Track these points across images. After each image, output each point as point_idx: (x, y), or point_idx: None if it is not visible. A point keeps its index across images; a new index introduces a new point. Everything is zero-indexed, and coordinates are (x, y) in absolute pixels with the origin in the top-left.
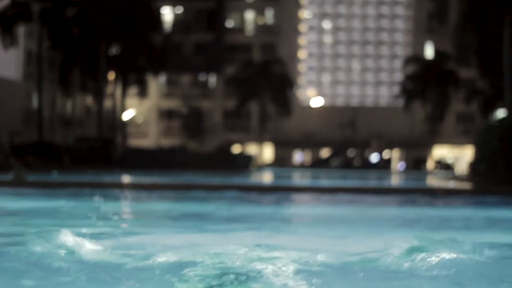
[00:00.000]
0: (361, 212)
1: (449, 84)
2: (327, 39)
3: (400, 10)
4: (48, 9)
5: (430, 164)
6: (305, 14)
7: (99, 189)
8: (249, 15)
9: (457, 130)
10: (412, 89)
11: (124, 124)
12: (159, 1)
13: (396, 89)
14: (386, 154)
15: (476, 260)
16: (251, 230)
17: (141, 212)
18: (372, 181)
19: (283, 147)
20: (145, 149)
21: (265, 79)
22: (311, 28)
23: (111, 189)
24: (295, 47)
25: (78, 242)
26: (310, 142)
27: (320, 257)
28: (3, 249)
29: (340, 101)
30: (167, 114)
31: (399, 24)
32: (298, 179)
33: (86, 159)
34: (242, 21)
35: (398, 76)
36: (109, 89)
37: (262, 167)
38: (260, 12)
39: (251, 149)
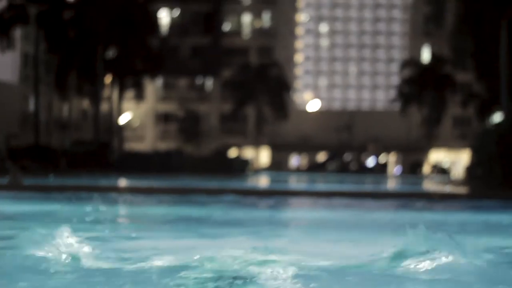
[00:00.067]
0: (357, 216)
1: (446, 88)
2: (324, 42)
3: (396, 13)
4: (45, 12)
5: (426, 168)
6: (302, 17)
7: (95, 192)
8: (246, 18)
9: (453, 134)
10: (409, 93)
11: (121, 127)
12: (156, 4)
13: (392, 93)
14: (382, 158)
15: (473, 264)
16: (248, 234)
17: (138, 216)
18: (368, 185)
19: (280, 151)
20: (141, 152)
21: (261, 83)
22: (307, 32)
23: (108, 193)
24: (292, 50)
25: (74, 246)
26: (306, 146)
27: (317, 261)
28: None
29: (336, 105)
30: (163, 118)
31: (396, 27)
32: (295, 183)
33: (82, 162)
34: (239, 24)
35: (395, 80)
36: (105, 92)
37: (258, 171)
38: (257, 15)
39: (248, 152)
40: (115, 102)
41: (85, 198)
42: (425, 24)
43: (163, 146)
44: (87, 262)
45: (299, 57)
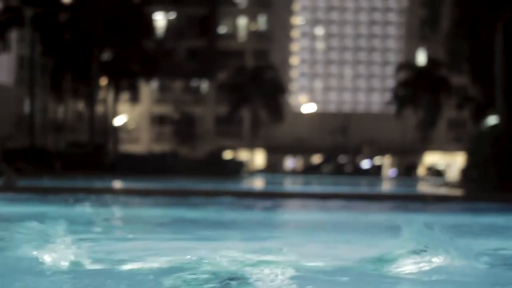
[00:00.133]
0: (353, 218)
1: (441, 91)
2: (320, 45)
3: (392, 16)
4: (40, 15)
5: (421, 171)
6: (297, 20)
7: (90, 194)
8: (242, 21)
9: (448, 137)
10: (404, 96)
11: (116, 129)
12: (152, 7)
13: (388, 96)
14: (377, 160)
15: (467, 266)
16: (244, 236)
17: (133, 218)
18: (363, 188)
19: (275, 153)
20: (136, 154)
21: (257, 85)
22: (303, 34)
23: (103, 195)
24: (287, 53)
25: (68, 248)
26: (301, 148)
27: (312, 263)
28: None
29: (332, 107)
30: (158, 120)
31: (392, 30)
32: (291, 185)
33: (77, 164)
34: (234, 27)
35: (390, 83)
36: (101, 94)
37: (253, 173)
38: (252, 18)
39: (243, 155)
40: (111, 104)
41: (80, 200)
42: (421, 28)
43: (158, 148)
44: (82, 264)
45: (294, 60)
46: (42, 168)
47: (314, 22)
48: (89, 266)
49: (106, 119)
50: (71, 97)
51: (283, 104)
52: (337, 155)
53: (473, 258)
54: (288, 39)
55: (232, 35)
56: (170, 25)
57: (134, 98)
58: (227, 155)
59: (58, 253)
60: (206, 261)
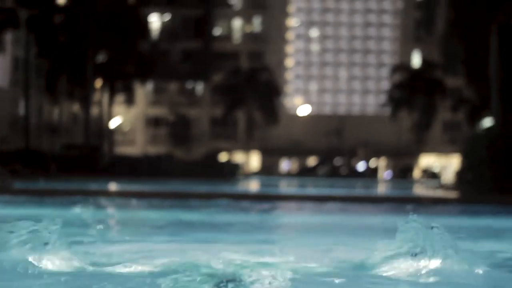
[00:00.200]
0: (348, 220)
1: (436, 93)
2: (314, 47)
3: (387, 18)
4: (35, 16)
5: (416, 173)
6: (292, 22)
7: (86, 196)
8: (237, 23)
9: (443, 139)
10: (399, 98)
11: (111, 131)
12: (147, 9)
13: (383, 98)
14: (373, 162)
15: (464, 268)
16: (240, 239)
17: (129, 220)
18: (359, 190)
19: (270, 155)
20: (131, 156)
21: (252, 87)
22: (298, 36)
23: (98, 197)
24: (283, 55)
25: (64, 250)
26: (297, 150)
27: (308, 265)
28: None
29: (327, 110)
30: (154, 122)
31: (387, 32)
32: (287, 187)
33: (72, 166)
34: (229, 29)
35: (385, 85)
36: (96, 96)
37: (248, 175)
38: (247, 20)
39: (238, 157)
40: (106, 106)
41: (75, 202)
42: (416, 30)
43: (153, 150)
44: (77, 266)
45: (289, 62)
46: (38, 170)
47: (309, 24)
48: (85, 268)
49: (101, 121)
50: (66, 99)
51: (278, 106)
52: (332, 157)
53: (469, 260)
54: (283, 41)
55: (227, 37)
56: (165, 27)
57: (129, 100)
58: (223, 157)
59: (53, 255)
60: (202, 264)
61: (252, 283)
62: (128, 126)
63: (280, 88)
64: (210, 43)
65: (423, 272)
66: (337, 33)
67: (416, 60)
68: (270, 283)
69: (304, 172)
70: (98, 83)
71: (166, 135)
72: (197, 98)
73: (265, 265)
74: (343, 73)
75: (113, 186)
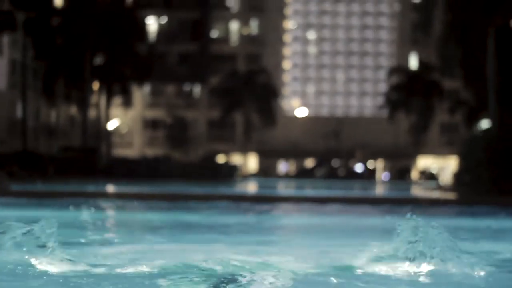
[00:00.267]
0: (346, 221)
1: (433, 95)
2: (312, 49)
3: (384, 21)
4: (32, 19)
5: (414, 174)
6: (289, 24)
7: (83, 198)
8: (234, 26)
9: (441, 141)
10: (396, 100)
11: (109, 133)
12: (144, 11)
13: (380, 100)
14: (370, 164)
15: (461, 269)
16: (238, 240)
17: (127, 222)
18: (357, 191)
19: (268, 157)
20: (129, 158)
21: (249, 89)
22: (295, 39)
23: (96, 199)
24: (280, 57)
25: (61, 252)
26: (294, 152)
27: (306, 266)
28: None
29: (324, 111)
30: (151, 124)
31: (384, 35)
32: (284, 189)
33: (70, 168)
34: (226, 31)
35: (383, 87)
36: (93, 98)
37: (246, 177)
38: (244, 22)
39: (236, 159)
40: (103, 109)
41: (73, 204)
42: (413, 32)
43: (151, 152)
44: (75, 268)
45: (287, 64)
46: (35, 172)
47: (306, 26)
48: (82, 269)
49: (99, 123)
50: (63, 101)
51: (276, 108)
52: (330, 159)
53: (468, 261)
54: (280, 43)
55: (224, 39)
56: (162, 29)
57: (127, 102)
58: (220, 159)
59: (50, 257)
60: (201, 264)
61: (251, 283)
62: (125, 128)
63: (278, 90)
64: (207, 46)
65: (421, 272)
66: (334, 35)
67: (413, 62)
68: (269, 283)
69: (302, 174)
70: (96, 85)
71: (163, 137)
72: (195, 100)
73: (264, 265)
74: (340, 75)
75: (110, 188)
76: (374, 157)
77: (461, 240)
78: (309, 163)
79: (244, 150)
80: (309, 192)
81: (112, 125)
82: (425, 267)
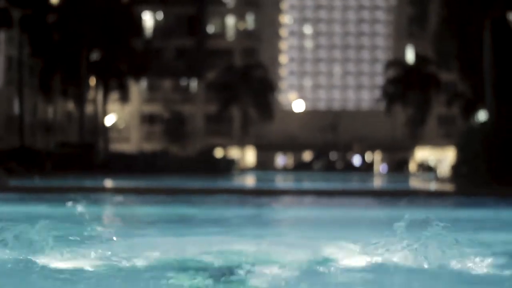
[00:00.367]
0: (346, 214)
1: (430, 88)
2: (308, 43)
3: (380, 15)
4: (29, 16)
5: (412, 167)
6: (285, 19)
7: (82, 193)
8: (230, 20)
9: (438, 133)
10: (393, 93)
11: (106, 129)
12: (140, 7)
13: (377, 93)
14: (368, 156)
15: (458, 261)
16: (237, 233)
17: (126, 217)
18: (355, 184)
19: (265, 151)
20: (127, 153)
21: (246, 84)
22: (292, 33)
23: (94, 194)
24: (276, 51)
25: (60, 247)
26: (292, 146)
27: (305, 258)
28: None
29: (321, 105)
30: (148, 119)
31: (380, 28)
32: (282, 182)
33: (68, 164)
34: (222, 26)
35: (380, 80)
36: (90, 94)
37: (244, 170)
38: (240, 17)
39: (233, 153)
40: (100, 104)
41: (71, 199)
42: (409, 26)
43: (148, 147)
44: (74, 263)
45: (283, 58)
46: (33, 168)
47: (303, 20)
48: (81, 264)
49: (96, 119)
50: (60, 97)
51: (273, 102)
52: (327, 152)
53: (464, 253)
54: (277, 38)
55: (220, 34)
56: (158, 24)
57: (124, 98)
58: (218, 153)
59: (47, 253)
60: (199, 258)
61: (249, 276)
62: (123, 123)
63: (274, 84)
64: (203, 41)
65: (420, 264)
66: (330, 29)
67: (409, 55)
68: (268, 276)
69: (299, 167)
70: (92, 81)
71: (161, 132)
72: (192, 95)
73: (263, 258)
74: (337, 69)
75: (108, 183)
76: (372, 149)
77: (458, 231)
78: (307, 156)
79: (241, 144)
80: (308, 185)
81: (109, 120)
82: (424, 258)
